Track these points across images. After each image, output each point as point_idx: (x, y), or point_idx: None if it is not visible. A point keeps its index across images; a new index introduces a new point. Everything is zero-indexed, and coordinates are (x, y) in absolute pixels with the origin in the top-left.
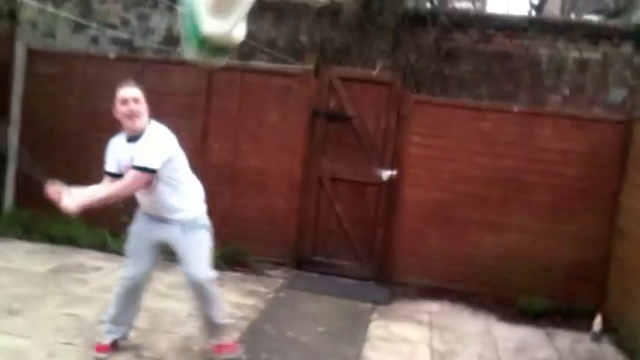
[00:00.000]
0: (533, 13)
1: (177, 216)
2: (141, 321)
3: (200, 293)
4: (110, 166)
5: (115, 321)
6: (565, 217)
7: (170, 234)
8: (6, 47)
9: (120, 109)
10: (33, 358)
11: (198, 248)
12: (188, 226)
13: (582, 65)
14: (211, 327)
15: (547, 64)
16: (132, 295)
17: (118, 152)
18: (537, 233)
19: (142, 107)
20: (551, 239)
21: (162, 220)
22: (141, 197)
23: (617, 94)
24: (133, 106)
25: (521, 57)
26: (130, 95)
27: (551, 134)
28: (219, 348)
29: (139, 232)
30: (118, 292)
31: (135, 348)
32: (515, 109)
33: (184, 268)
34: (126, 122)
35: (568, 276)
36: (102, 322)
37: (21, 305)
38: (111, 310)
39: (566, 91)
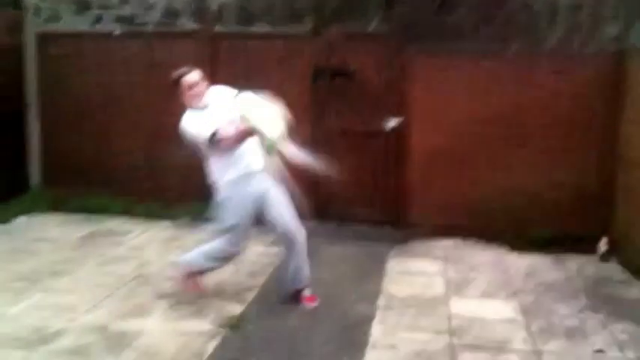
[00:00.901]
0: None
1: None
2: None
3: (295, 246)
4: (205, 131)
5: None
6: (567, 150)
7: (268, 188)
8: (15, 32)
9: (187, 93)
10: (80, 310)
11: (286, 203)
12: (275, 179)
13: (576, 3)
14: (300, 276)
15: (541, 5)
16: (222, 262)
17: (204, 121)
18: (542, 167)
19: (201, 87)
20: (556, 172)
21: (257, 174)
22: (238, 153)
23: (611, 30)
24: (194, 90)
25: (515, 0)
26: (190, 81)
27: (547, 73)
28: (311, 298)
29: (238, 200)
30: (215, 257)
31: (173, 295)
32: (511, 51)
33: (280, 224)
34: (195, 101)
35: (575, 205)
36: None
37: (62, 267)
38: (195, 259)
39: (562, 31)
